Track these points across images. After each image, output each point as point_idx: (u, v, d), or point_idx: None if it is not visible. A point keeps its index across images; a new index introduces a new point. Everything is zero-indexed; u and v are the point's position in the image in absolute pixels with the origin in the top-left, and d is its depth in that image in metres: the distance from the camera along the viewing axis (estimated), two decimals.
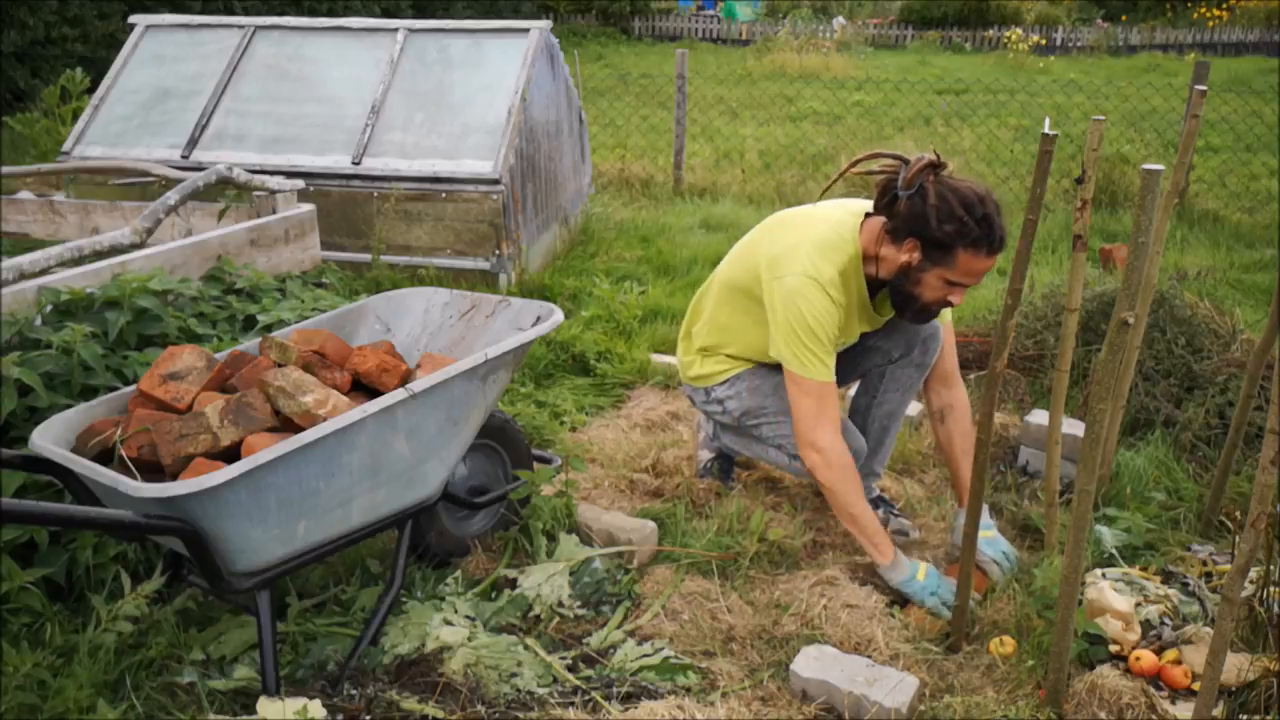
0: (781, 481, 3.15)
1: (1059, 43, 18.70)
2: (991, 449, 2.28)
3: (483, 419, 2.45)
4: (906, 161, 2.37)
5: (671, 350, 4.07)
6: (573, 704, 2.14)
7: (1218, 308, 3.63)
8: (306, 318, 2.96)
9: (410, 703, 2.12)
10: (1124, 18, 20.80)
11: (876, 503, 2.90)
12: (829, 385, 2.47)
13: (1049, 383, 3.52)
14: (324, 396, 2.14)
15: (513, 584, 2.52)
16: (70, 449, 2.10)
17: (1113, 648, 2.20)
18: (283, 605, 2.37)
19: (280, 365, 2.29)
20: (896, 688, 2.10)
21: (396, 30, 5.25)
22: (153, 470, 2.06)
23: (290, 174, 4.58)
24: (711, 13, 22.24)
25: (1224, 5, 19.99)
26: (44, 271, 2.84)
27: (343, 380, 2.33)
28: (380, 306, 2.77)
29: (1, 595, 2.18)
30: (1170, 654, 2.15)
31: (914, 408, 3.46)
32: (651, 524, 2.73)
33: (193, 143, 4.99)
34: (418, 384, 2.18)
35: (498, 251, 4.74)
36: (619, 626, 2.42)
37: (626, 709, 2.11)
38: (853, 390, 3.04)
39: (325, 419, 2.08)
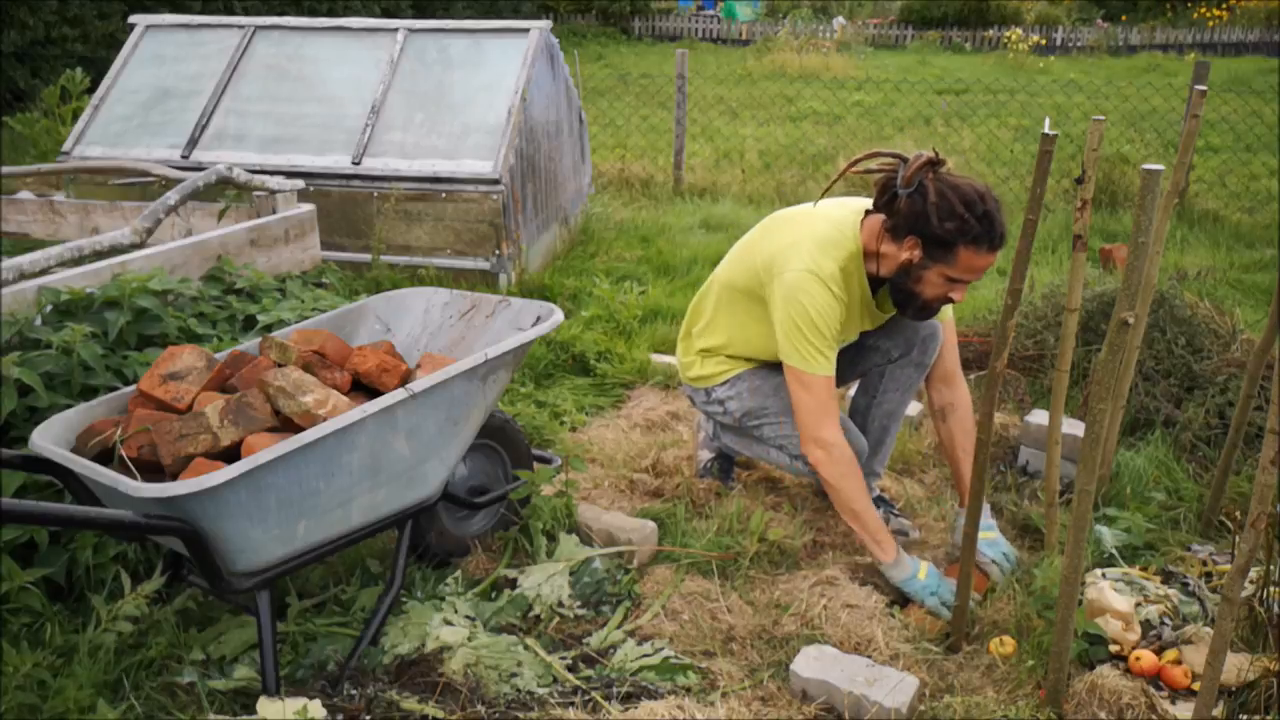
0: (781, 481, 3.15)
1: (1059, 43, 18.70)
2: (991, 449, 2.28)
3: (483, 419, 2.45)
4: (905, 160, 2.38)
5: (671, 350, 4.07)
6: (573, 704, 2.14)
7: (1218, 308, 3.63)
8: (306, 318, 2.96)
9: (410, 703, 2.12)
10: (1124, 18, 20.80)
11: (877, 502, 2.89)
12: (831, 381, 2.48)
13: (1049, 383, 3.52)
14: (324, 396, 2.14)
15: (513, 584, 2.52)
16: (70, 449, 2.10)
17: (1113, 648, 2.20)
18: (283, 605, 2.37)
19: (280, 365, 2.29)
20: (896, 688, 2.10)
21: (396, 30, 5.25)
22: (153, 470, 2.06)
23: (290, 174, 4.58)
24: (711, 13, 22.24)
25: (1224, 5, 19.99)
26: (44, 271, 2.84)
27: (343, 380, 2.33)
28: (380, 306, 2.77)
29: (1, 595, 2.18)
30: (1170, 654, 2.15)
31: (914, 407, 3.46)
32: (651, 524, 2.73)
33: (193, 143, 4.99)
34: (418, 384, 2.18)
35: (498, 251, 4.74)
36: (619, 626, 2.42)
37: (626, 709, 2.11)
38: (852, 390, 3.04)
39: (325, 419, 2.08)
